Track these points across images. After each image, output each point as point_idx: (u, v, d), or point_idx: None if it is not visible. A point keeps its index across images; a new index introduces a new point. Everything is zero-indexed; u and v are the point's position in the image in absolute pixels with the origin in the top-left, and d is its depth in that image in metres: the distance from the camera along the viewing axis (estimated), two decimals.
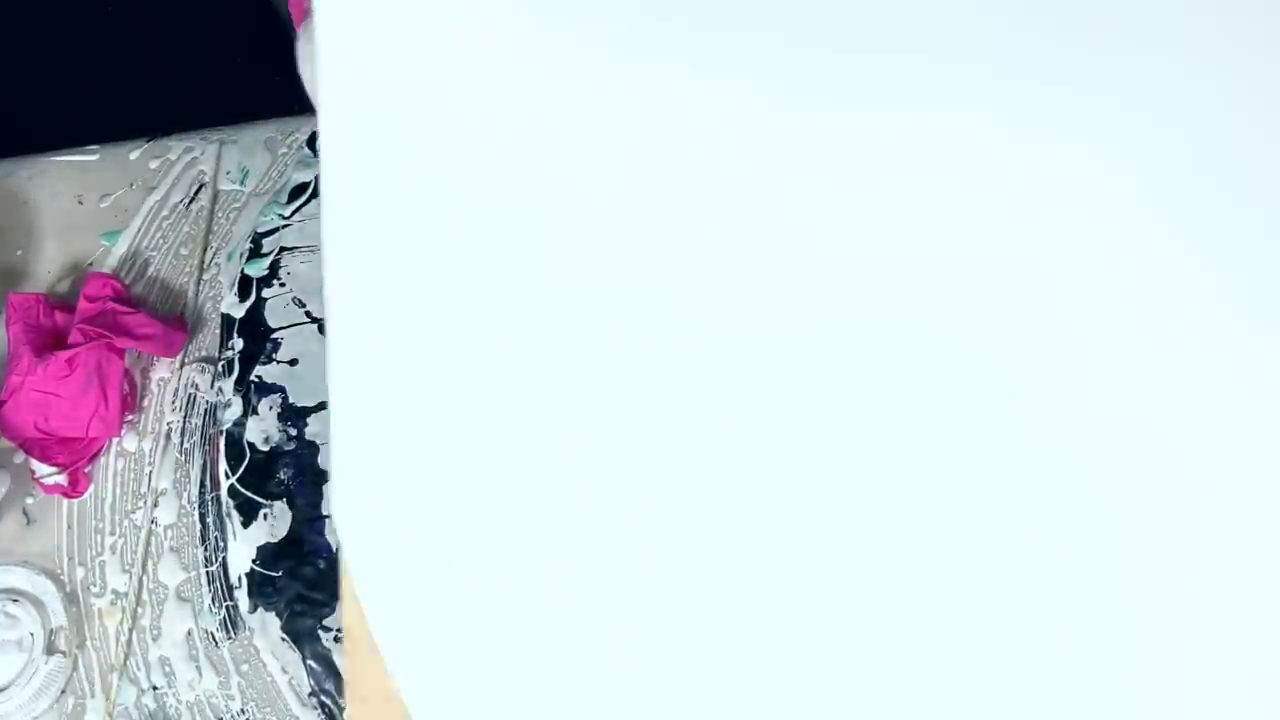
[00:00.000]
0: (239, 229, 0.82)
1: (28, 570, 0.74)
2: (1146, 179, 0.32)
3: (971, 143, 0.33)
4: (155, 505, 0.76)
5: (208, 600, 0.74)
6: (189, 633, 0.74)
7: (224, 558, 0.73)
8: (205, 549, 0.75)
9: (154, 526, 0.76)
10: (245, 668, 0.73)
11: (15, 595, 0.73)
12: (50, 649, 0.72)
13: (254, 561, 0.72)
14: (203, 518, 0.75)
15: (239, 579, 0.72)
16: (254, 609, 0.71)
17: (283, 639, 0.70)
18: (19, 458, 0.76)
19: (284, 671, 0.72)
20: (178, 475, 0.77)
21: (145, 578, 0.75)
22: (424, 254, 0.35)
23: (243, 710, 0.72)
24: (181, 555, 0.75)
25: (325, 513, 0.72)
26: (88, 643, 0.74)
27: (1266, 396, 0.31)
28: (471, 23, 0.35)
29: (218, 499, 0.74)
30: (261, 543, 0.72)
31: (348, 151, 0.35)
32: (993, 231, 0.33)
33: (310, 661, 0.70)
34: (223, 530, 0.74)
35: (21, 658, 0.72)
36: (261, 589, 0.71)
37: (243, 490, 0.73)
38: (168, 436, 0.77)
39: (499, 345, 0.34)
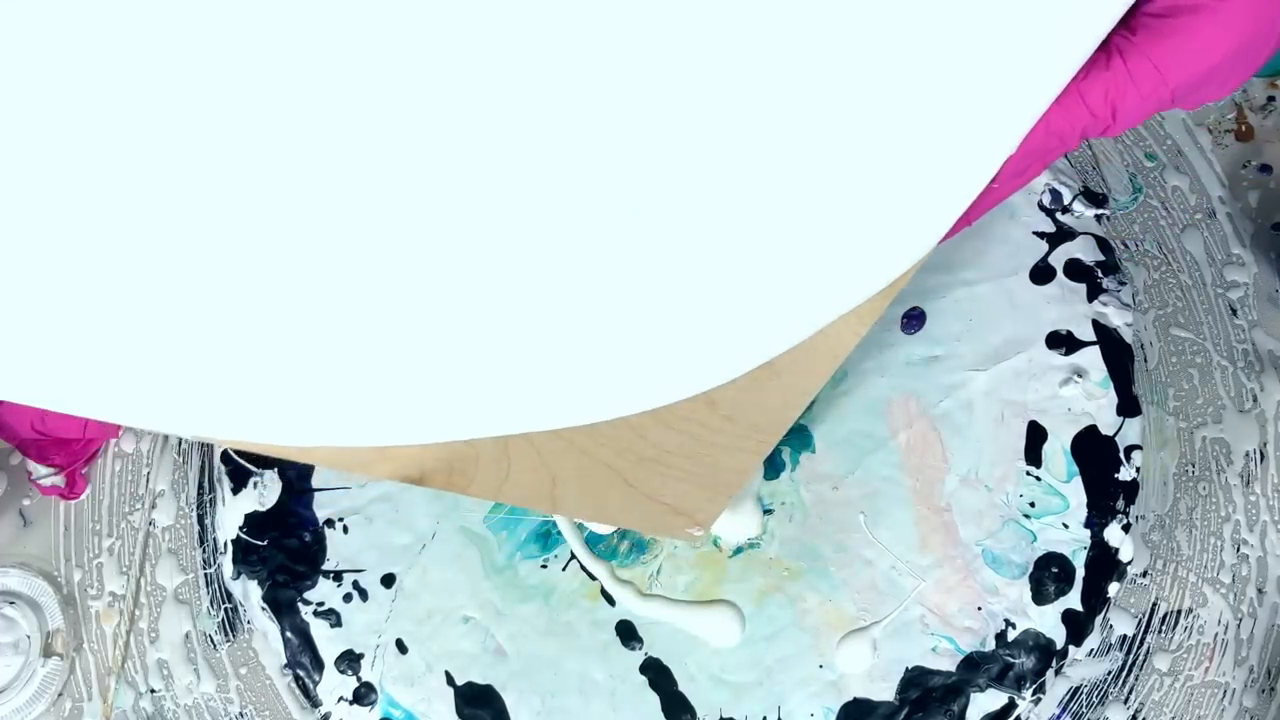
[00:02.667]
0: None
1: (24, 572, 0.74)
2: None
3: None
4: (153, 507, 0.76)
5: (206, 602, 0.74)
6: (187, 635, 0.73)
7: (220, 559, 0.73)
8: (204, 551, 0.74)
9: (152, 528, 0.75)
10: (244, 670, 0.73)
11: (12, 598, 0.72)
12: (47, 651, 0.72)
13: (240, 529, 0.72)
14: (201, 519, 0.75)
15: (225, 544, 0.72)
16: (237, 575, 0.72)
17: (262, 608, 0.70)
18: (16, 459, 0.76)
19: (282, 674, 0.72)
20: (176, 477, 0.76)
21: (143, 580, 0.75)
22: None
23: (241, 713, 0.72)
24: (180, 557, 0.75)
25: (315, 486, 0.73)
26: (85, 645, 0.74)
27: None
28: None
29: (215, 498, 0.74)
30: (249, 510, 0.72)
31: None
32: None
33: (288, 634, 0.70)
34: (213, 496, 0.75)
35: (18, 660, 0.71)
36: (246, 556, 0.72)
37: (235, 456, 0.73)
38: (165, 437, 0.77)
39: None
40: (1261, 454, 0.73)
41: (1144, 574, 0.71)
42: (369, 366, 0.38)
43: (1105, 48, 0.41)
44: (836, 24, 0.33)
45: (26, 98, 0.30)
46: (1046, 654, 0.66)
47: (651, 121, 0.33)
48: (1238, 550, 0.71)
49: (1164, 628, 0.71)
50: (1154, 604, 0.71)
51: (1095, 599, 0.67)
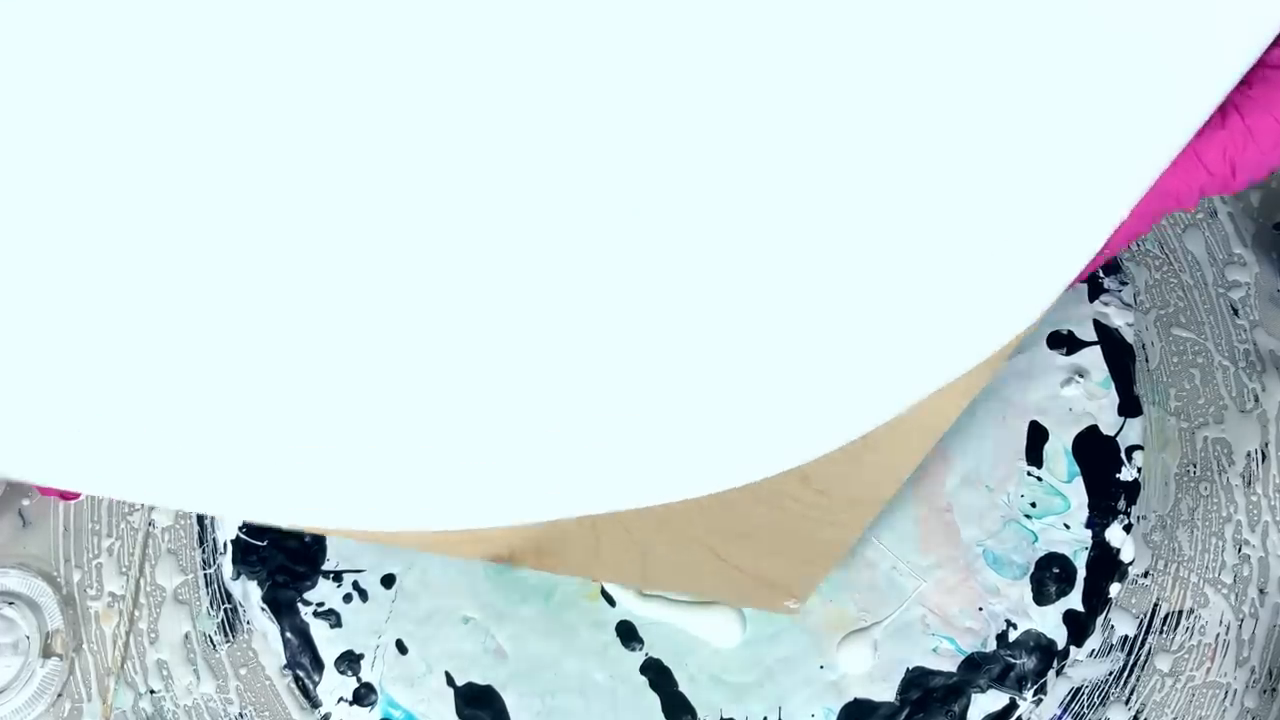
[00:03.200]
0: None
1: (23, 573, 0.73)
2: None
3: None
4: (152, 507, 0.76)
5: (205, 603, 0.74)
6: (187, 636, 0.73)
7: (220, 559, 0.73)
8: (203, 551, 0.74)
9: (151, 529, 0.75)
10: (244, 671, 0.73)
11: (11, 598, 0.72)
12: (46, 652, 0.72)
13: (240, 529, 0.72)
14: (200, 519, 0.75)
15: (224, 545, 0.72)
16: (236, 576, 0.71)
17: (262, 608, 0.70)
18: None
19: (282, 675, 0.72)
20: None
21: (142, 580, 0.74)
22: None
23: (241, 714, 0.72)
24: (179, 557, 0.75)
25: None
26: (84, 646, 0.73)
27: None
28: None
29: None
30: None
31: None
32: None
33: (288, 634, 0.70)
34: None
35: (17, 661, 0.71)
36: (245, 557, 0.71)
37: None
38: None
39: None
40: (1263, 454, 0.72)
41: (1145, 574, 0.71)
42: (455, 449, 0.38)
43: (1220, 105, 0.39)
44: (948, 80, 0.32)
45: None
46: (1048, 654, 0.66)
47: (747, 186, 0.33)
48: (1239, 551, 0.71)
49: (1165, 628, 0.70)
50: (1155, 604, 0.71)
51: (1096, 599, 0.67)
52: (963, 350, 0.40)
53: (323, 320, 0.34)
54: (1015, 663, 0.66)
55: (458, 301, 0.34)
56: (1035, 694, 0.66)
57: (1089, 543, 0.67)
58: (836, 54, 0.31)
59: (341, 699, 0.68)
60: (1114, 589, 0.68)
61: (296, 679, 0.70)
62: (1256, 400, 0.73)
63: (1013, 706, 0.66)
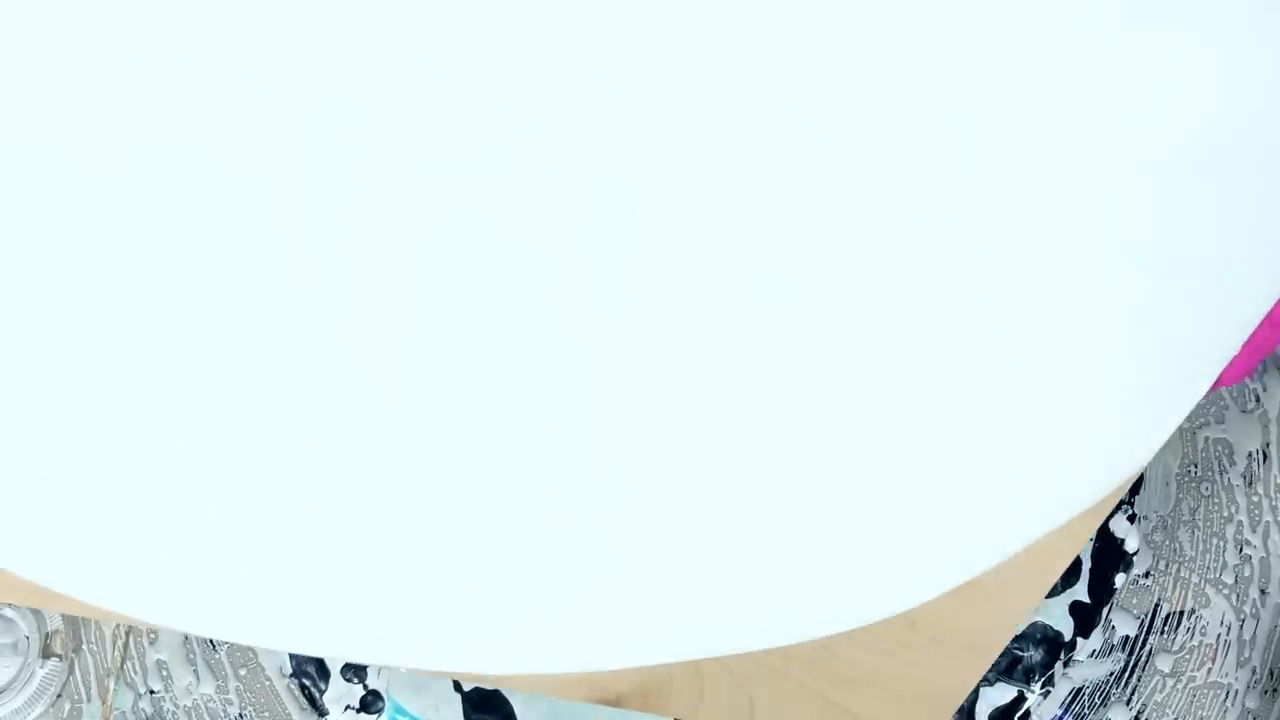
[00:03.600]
0: None
1: None
2: None
3: None
4: None
5: None
6: (186, 636, 0.73)
7: None
8: None
9: None
10: (243, 671, 0.72)
11: None
12: (46, 653, 0.72)
13: None
14: None
15: None
16: None
17: None
18: None
19: (282, 675, 0.71)
20: None
21: None
22: None
23: (240, 715, 0.71)
24: None
25: None
26: (84, 646, 0.73)
27: None
28: None
29: None
30: None
31: None
32: None
33: None
34: None
35: (17, 661, 0.71)
36: None
37: None
38: None
39: None
40: (1264, 454, 0.73)
41: (1146, 574, 0.71)
42: (563, 595, 0.38)
43: None
44: (1065, 232, 0.32)
45: None
46: (1055, 646, 0.66)
47: (857, 331, 0.32)
48: (1240, 551, 0.71)
49: (1166, 629, 0.71)
50: (1156, 605, 0.71)
51: (1102, 590, 0.67)
52: (1073, 495, 0.40)
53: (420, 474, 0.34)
54: (1022, 655, 0.66)
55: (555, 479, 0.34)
56: (1043, 686, 0.66)
57: (1093, 534, 0.68)
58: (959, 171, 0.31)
59: (348, 706, 0.68)
60: (1119, 579, 0.68)
61: (302, 687, 0.69)
62: (1257, 400, 0.73)
63: (1020, 700, 0.66)
